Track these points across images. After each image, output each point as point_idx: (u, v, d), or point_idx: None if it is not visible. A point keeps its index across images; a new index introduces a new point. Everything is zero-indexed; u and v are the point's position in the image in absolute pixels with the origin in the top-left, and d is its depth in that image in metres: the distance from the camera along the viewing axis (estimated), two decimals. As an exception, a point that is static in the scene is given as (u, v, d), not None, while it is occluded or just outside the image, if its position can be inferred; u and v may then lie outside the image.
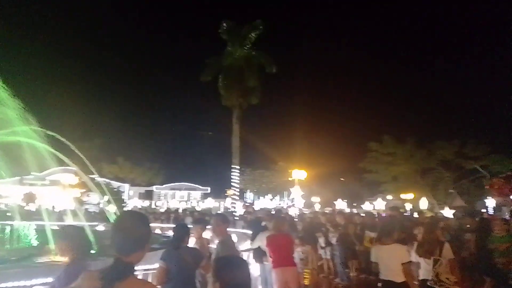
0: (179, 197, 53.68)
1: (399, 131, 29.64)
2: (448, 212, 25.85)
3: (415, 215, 17.58)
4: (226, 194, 33.22)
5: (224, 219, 4.64)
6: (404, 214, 19.80)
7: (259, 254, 6.37)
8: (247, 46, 20.50)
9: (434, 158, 28.55)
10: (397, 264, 4.52)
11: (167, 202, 48.17)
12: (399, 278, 4.48)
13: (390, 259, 4.60)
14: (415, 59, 62.87)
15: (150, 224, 2.00)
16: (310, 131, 39.54)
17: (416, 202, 31.37)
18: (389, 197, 36.67)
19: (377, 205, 35.82)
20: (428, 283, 4.97)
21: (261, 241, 6.32)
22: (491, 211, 24.75)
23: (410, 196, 32.82)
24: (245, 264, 2.28)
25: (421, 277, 5.18)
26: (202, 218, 8.12)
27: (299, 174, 28.26)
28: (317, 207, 40.84)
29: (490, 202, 26.73)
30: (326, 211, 15.92)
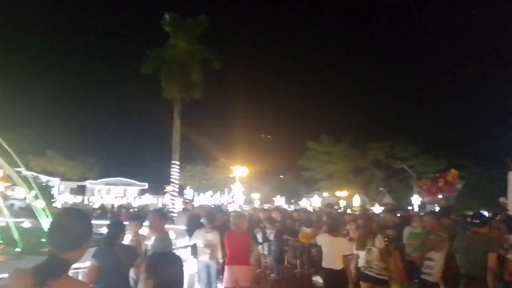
0: (115, 193, 51.70)
1: (336, 131, 30.96)
2: (378, 209, 27.49)
3: (348, 211, 18.42)
4: (165, 190, 32.53)
5: (162, 215, 4.53)
6: (338, 210, 20.72)
7: (195, 251, 6.33)
8: (191, 40, 20.16)
9: (367, 158, 30.16)
10: (339, 255, 5.23)
11: (101, 198, 46.08)
12: (338, 266, 5.21)
13: (334, 250, 5.32)
14: (354, 64, 65.95)
15: (91, 223, 1.93)
16: (252, 128, 40.02)
17: (350, 199, 33.01)
18: (325, 194, 38.18)
19: (314, 201, 37.09)
20: (361, 270, 5.47)
21: (198, 238, 6.32)
22: (416, 209, 26.71)
23: (344, 193, 34.45)
24: (178, 261, 2.26)
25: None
26: (138, 215, 7.89)
27: (240, 170, 28.39)
28: (257, 203, 41.38)
29: (416, 200, 28.87)
30: (265, 208, 16.17)
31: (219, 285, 6.52)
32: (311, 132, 33.33)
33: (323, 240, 5.59)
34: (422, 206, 27.16)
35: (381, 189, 31.23)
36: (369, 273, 5.36)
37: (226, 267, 5.75)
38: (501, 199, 15.96)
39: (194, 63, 19.97)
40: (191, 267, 6.57)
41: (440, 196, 17.10)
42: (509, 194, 14.15)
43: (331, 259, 5.33)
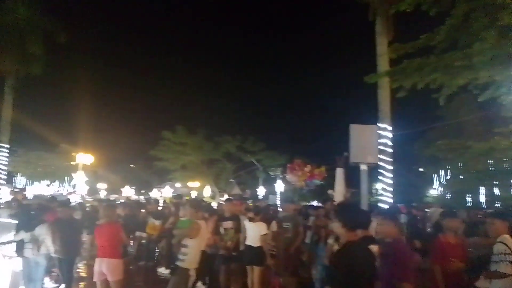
0: None
1: (192, 123, 31.01)
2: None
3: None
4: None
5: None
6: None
7: (21, 247, 5.56)
8: (33, 5, 17.54)
9: (220, 150, 31.09)
10: (258, 235, 6.80)
11: None
12: (257, 244, 6.79)
13: (254, 231, 6.87)
14: (212, 59, 66.97)
15: None
16: (100, 113, 36.94)
17: (201, 190, 33.62)
18: (178, 184, 38.02)
19: (165, 192, 36.59)
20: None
21: (24, 232, 5.59)
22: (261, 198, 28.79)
23: (196, 184, 34.91)
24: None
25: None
26: None
27: (84, 158, 26.22)
28: (103, 194, 38.71)
29: (261, 191, 31.14)
30: (111, 199, 15.20)
31: (49, 282, 5.86)
32: (166, 122, 32.70)
33: (246, 225, 7.06)
34: (265, 196, 29.48)
35: (231, 180, 32.65)
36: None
37: (96, 260, 5.60)
38: (330, 191, 18.35)
39: (34, 33, 17.43)
40: (15, 265, 5.72)
41: (296, 180, 18.15)
42: (336, 187, 16.36)
43: (251, 238, 6.85)
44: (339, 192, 16.04)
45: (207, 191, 31.99)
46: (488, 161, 10.06)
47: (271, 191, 29.55)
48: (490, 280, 4.16)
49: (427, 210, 14.24)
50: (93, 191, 35.51)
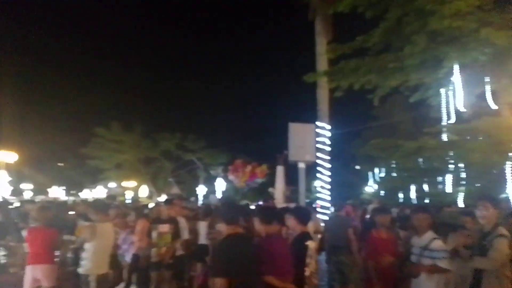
0: None
1: (128, 119, 29.56)
2: (164, 199, 27.80)
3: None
4: None
5: None
6: (125, 202, 19.98)
7: None
8: None
9: (158, 148, 30.14)
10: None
11: None
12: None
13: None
14: (145, 55, 64.62)
15: None
16: (25, 108, 33.90)
17: (137, 190, 32.38)
18: (112, 184, 36.22)
19: (98, 193, 34.80)
20: None
21: None
22: (201, 199, 28.40)
23: (132, 184, 33.50)
24: None
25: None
26: None
27: (7, 156, 24.12)
28: (28, 195, 36.02)
29: (201, 190, 30.70)
30: (36, 200, 14.07)
31: None
32: (99, 118, 30.75)
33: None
34: (206, 196, 29.13)
35: (170, 179, 31.79)
36: None
37: (27, 267, 5.32)
38: (270, 189, 18.47)
39: None
40: None
41: (238, 181, 18.05)
42: (276, 185, 16.50)
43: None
44: (279, 190, 16.20)
45: (144, 191, 30.86)
46: (418, 160, 10.70)
47: (211, 190, 29.21)
48: (428, 274, 4.22)
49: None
50: (17, 192, 32.77)
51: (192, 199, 26.63)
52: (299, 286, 4.36)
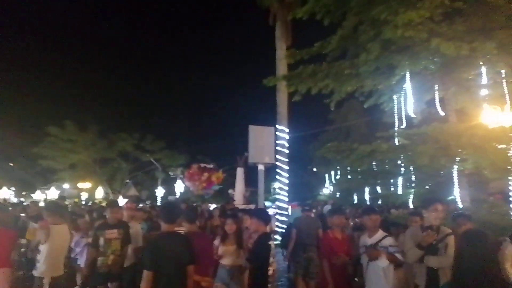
0: None
1: (83, 118, 28.48)
2: (121, 201, 27.06)
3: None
4: None
5: None
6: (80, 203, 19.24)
7: None
8: None
9: (115, 148, 29.31)
10: None
11: None
12: None
13: None
14: (102, 52, 62.63)
15: None
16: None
17: (93, 191, 31.22)
18: (66, 186, 34.71)
19: (51, 194, 33.24)
20: None
21: None
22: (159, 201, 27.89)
23: (87, 185, 32.27)
24: None
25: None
26: None
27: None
28: (-28, 197, 33.81)
29: (159, 192, 30.13)
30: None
31: None
32: (52, 116, 29.48)
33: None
34: (164, 198, 28.62)
35: (127, 181, 30.98)
36: None
37: None
38: (230, 191, 18.50)
39: None
40: None
41: (195, 189, 17.96)
42: (236, 187, 16.56)
43: None
44: (239, 192, 16.31)
45: (100, 193, 29.82)
46: (372, 162, 11.12)
47: (170, 192, 28.76)
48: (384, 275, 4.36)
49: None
50: (-41, 193, 30.62)
51: (148, 201, 26.17)
52: (263, 284, 4.49)
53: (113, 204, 6.29)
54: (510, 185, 9.17)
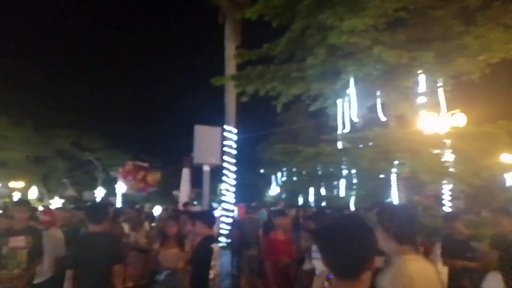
0: None
1: (16, 113, 26.50)
2: (57, 202, 25.56)
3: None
4: None
5: None
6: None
7: None
8: None
9: (51, 146, 27.62)
10: None
11: None
12: None
13: None
14: (40, 45, 58.88)
15: None
16: None
17: (26, 191, 29.17)
18: (-3, 184, 32.18)
19: (-23, 194, 30.58)
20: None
21: None
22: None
23: (20, 184, 30.14)
24: None
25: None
26: None
27: None
28: None
29: (99, 193, 28.80)
30: None
31: None
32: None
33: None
34: (105, 198, 27.34)
35: (64, 180, 29.31)
36: None
37: None
38: (175, 192, 18.05)
39: None
40: None
41: (130, 188, 17.36)
42: (181, 188, 16.18)
43: None
44: (184, 193, 15.93)
45: (34, 193, 27.92)
46: (316, 165, 11.35)
47: (111, 193, 27.54)
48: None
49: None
50: None
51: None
52: (203, 288, 4.37)
53: (20, 203, 5.25)
54: (443, 188, 9.75)
